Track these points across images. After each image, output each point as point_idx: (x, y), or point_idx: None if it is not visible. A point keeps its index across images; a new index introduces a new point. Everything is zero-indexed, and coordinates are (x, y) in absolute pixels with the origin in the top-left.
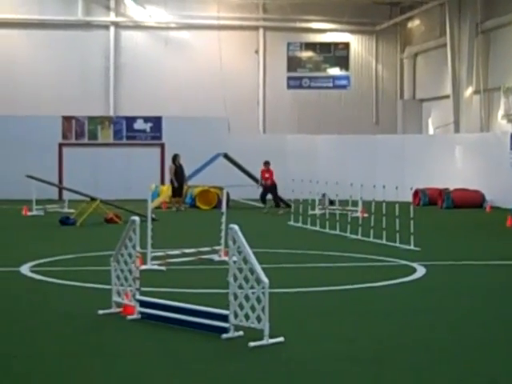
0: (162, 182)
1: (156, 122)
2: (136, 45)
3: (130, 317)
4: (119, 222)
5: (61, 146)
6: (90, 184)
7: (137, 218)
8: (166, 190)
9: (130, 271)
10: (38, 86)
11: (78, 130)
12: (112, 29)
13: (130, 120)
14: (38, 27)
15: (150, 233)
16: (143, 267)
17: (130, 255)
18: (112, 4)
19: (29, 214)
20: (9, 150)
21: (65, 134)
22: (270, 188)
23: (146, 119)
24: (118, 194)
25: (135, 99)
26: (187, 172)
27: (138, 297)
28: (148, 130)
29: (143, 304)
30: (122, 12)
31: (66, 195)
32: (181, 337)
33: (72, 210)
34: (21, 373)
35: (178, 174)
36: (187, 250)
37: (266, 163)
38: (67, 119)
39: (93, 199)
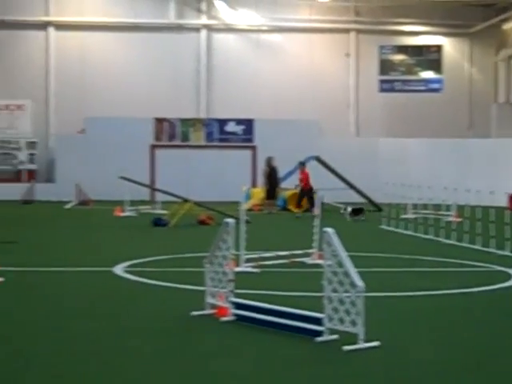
0: (254, 185)
1: (248, 124)
2: (227, 47)
3: (223, 318)
4: (211, 223)
5: (153, 147)
6: (182, 185)
7: (231, 220)
8: (258, 192)
9: (224, 273)
10: (130, 87)
11: (170, 132)
12: (204, 31)
13: (222, 122)
14: (131, 30)
15: (243, 235)
16: (236, 269)
17: (224, 257)
18: (204, 7)
19: (121, 214)
20: (102, 151)
21: (157, 135)
22: (305, 191)
23: (238, 122)
24: (210, 195)
25: (227, 101)
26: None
27: (232, 299)
28: (240, 132)
29: (237, 306)
30: (213, 15)
31: (159, 196)
32: (274, 339)
33: (164, 212)
34: (115, 371)
35: (271, 176)
36: (280, 253)
37: (301, 164)
38: (159, 121)
39: (185, 201)
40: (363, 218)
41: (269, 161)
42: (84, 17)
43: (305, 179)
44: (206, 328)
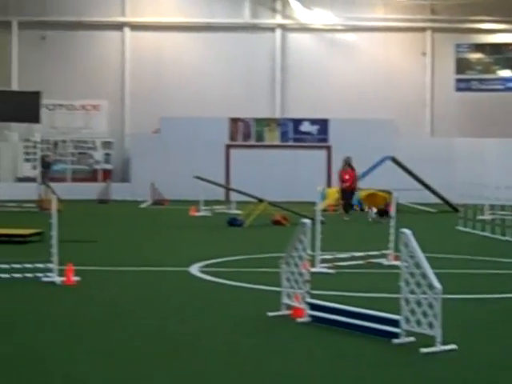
0: (329, 185)
1: (322, 124)
2: (302, 47)
3: (299, 319)
4: (286, 224)
5: (228, 147)
6: (256, 185)
7: (307, 221)
8: (333, 192)
9: (300, 274)
10: (205, 87)
11: (245, 132)
12: (278, 31)
13: (297, 122)
14: (206, 30)
15: (319, 235)
16: (312, 270)
17: (300, 258)
18: (279, 6)
19: (196, 214)
20: (178, 151)
21: (232, 135)
22: (347, 192)
23: (313, 121)
24: (285, 195)
25: (301, 101)
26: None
27: (308, 299)
28: (315, 132)
29: (313, 307)
30: (288, 14)
31: (233, 196)
32: (351, 341)
33: (239, 211)
34: (191, 370)
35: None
36: (356, 254)
37: (347, 164)
38: (234, 121)
39: (260, 201)
40: (387, 219)
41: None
42: (159, 17)
43: (351, 179)
44: (282, 329)
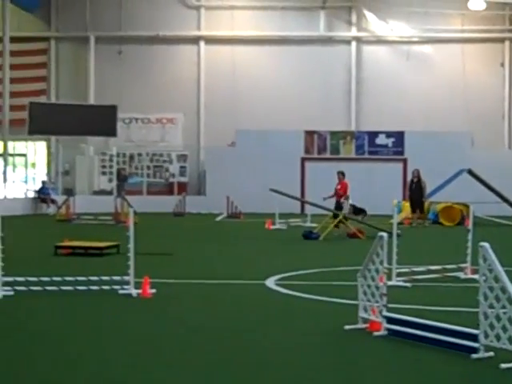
0: (404, 198)
1: (398, 136)
2: (377, 59)
3: (376, 333)
4: (362, 237)
5: (303, 160)
6: (331, 198)
7: (385, 234)
8: (409, 205)
9: (377, 287)
10: (280, 100)
11: (320, 145)
12: (353, 43)
13: (372, 135)
14: (281, 43)
15: (395, 249)
16: (388, 283)
17: (377, 271)
18: (354, 19)
19: (272, 227)
20: (253, 164)
21: (307, 148)
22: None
23: (388, 134)
24: None
25: (377, 114)
26: (429, 188)
27: (385, 313)
28: (390, 145)
29: (390, 320)
30: (363, 27)
31: (308, 209)
32: (428, 355)
33: (314, 225)
34: (270, 380)
35: (412, 188)
36: (432, 267)
37: (341, 174)
38: (309, 134)
39: (335, 214)
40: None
41: (414, 173)
42: (234, 31)
43: (343, 189)
44: (359, 342)
